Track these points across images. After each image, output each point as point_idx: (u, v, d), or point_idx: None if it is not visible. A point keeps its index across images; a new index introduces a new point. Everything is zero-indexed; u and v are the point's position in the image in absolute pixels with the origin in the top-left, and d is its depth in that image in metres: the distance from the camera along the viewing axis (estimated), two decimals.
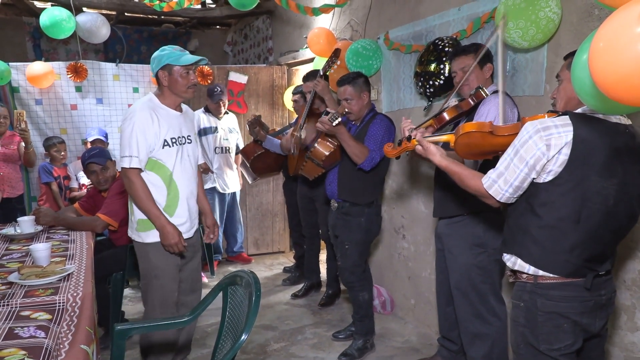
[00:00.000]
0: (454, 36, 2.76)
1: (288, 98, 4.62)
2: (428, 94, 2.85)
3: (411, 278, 3.35)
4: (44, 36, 5.98)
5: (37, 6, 5.74)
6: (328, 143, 2.83)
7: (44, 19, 3.93)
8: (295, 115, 4.16)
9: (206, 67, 4.75)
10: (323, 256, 4.00)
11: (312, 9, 3.65)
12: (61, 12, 3.97)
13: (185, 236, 2.32)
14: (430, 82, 2.79)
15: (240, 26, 6.38)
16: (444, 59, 2.69)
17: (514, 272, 1.61)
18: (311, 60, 4.34)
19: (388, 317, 3.43)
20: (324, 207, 3.54)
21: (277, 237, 5.05)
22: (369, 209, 2.88)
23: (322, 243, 3.97)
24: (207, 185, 4.30)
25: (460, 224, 2.32)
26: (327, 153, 2.82)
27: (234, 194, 4.52)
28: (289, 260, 4.81)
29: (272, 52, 5.44)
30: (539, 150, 1.42)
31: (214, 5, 5.94)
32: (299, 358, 2.90)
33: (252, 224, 4.87)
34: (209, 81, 4.74)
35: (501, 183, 1.51)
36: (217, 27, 7.08)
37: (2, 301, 1.64)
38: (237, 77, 4.77)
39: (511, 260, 1.59)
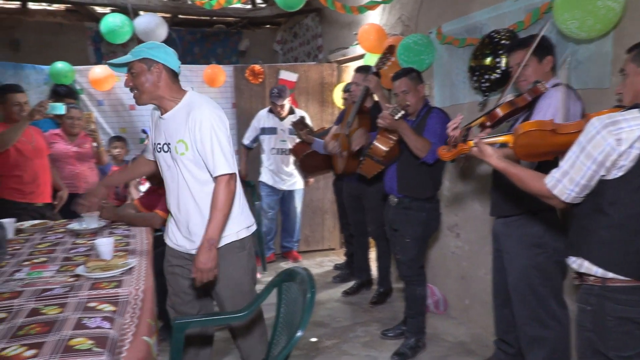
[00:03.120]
0: (511, 28, 2.67)
1: (338, 95, 4.61)
2: (483, 88, 2.77)
3: (465, 278, 3.28)
4: (103, 40, 6.27)
5: (98, 11, 6.01)
6: (387, 139, 2.81)
7: (103, 27, 4.11)
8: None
9: (257, 66, 4.83)
10: (373, 254, 3.98)
11: (358, 8, 3.63)
12: (116, 19, 4.13)
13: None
14: (486, 77, 2.72)
15: (290, 25, 6.43)
16: (500, 52, 2.61)
17: (580, 275, 1.53)
18: (361, 56, 4.32)
19: (441, 317, 3.37)
20: (373, 205, 3.52)
21: (328, 235, 5.06)
22: (429, 204, 2.87)
23: (372, 241, 3.94)
24: (262, 179, 4.47)
25: (518, 224, 2.24)
26: (386, 149, 2.80)
27: (291, 192, 4.56)
28: (339, 257, 4.81)
29: (322, 49, 5.45)
30: (609, 145, 1.35)
31: (264, 5, 6.02)
32: (351, 356, 2.89)
33: (302, 221, 4.91)
34: (260, 80, 4.81)
35: (566, 182, 1.44)
36: (267, 26, 7.16)
37: (71, 292, 1.72)
38: (288, 76, 4.81)
39: (577, 263, 1.52)
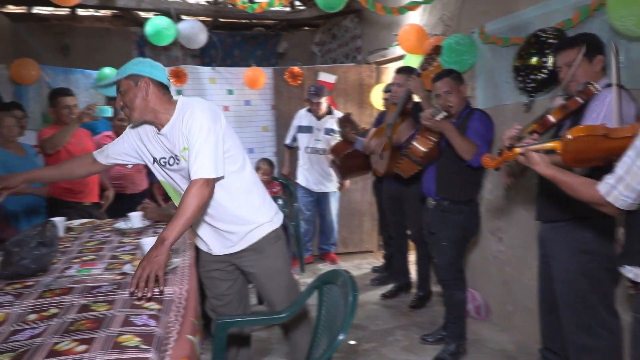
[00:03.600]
0: (558, 27, 2.59)
1: (376, 96, 4.59)
2: (529, 89, 2.70)
3: (508, 283, 3.19)
4: (147, 44, 6.45)
5: (142, 16, 6.19)
6: (427, 140, 2.77)
7: (148, 28, 4.22)
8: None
9: (296, 68, 4.86)
10: (412, 257, 3.93)
11: (398, 9, 3.60)
12: (162, 21, 4.24)
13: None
14: (532, 77, 2.64)
15: (329, 26, 6.44)
16: (547, 51, 2.53)
17: (636, 284, 1.46)
18: (401, 57, 4.28)
19: (482, 323, 3.30)
20: (413, 208, 3.48)
21: (366, 237, 5.04)
22: (468, 207, 2.82)
23: (411, 244, 3.89)
24: (298, 180, 4.54)
25: (566, 229, 2.16)
26: (425, 150, 2.77)
27: (325, 194, 4.56)
28: (377, 260, 4.78)
29: (361, 50, 5.44)
30: None
31: (303, 7, 6.05)
32: None
33: (340, 223, 4.90)
34: (299, 82, 4.84)
35: (621, 188, 1.38)
36: (306, 28, 7.20)
37: (119, 290, 1.77)
38: (327, 77, 4.82)
39: (633, 272, 1.45)
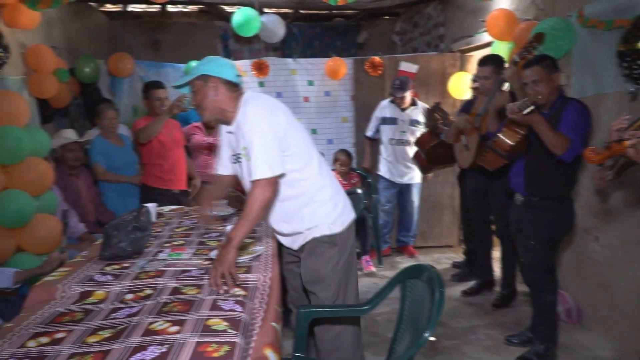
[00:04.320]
0: None
1: (461, 85, 4.42)
2: (635, 75, 2.46)
3: (604, 286, 2.96)
4: (231, 38, 6.65)
5: (227, 11, 6.38)
6: (514, 132, 2.62)
7: (235, 19, 4.33)
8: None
9: (377, 58, 4.79)
10: (495, 253, 3.77)
11: None
12: (249, 12, 4.34)
13: None
14: (639, 63, 2.41)
15: (410, 15, 6.29)
16: None
17: None
18: (488, 44, 4.08)
19: (574, 328, 3.09)
20: (500, 203, 3.32)
21: (445, 231, 4.89)
22: (559, 204, 2.63)
23: (496, 240, 3.73)
24: (380, 172, 4.47)
25: None
26: (512, 143, 2.62)
27: (408, 185, 4.48)
28: (456, 255, 4.63)
29: (444, 39, 5.26)
30: None
31: None
32: (471, 359, 2.77)
33: (419, 216, 4.79)
34: (380, 72, 4.77)
35: None
36: (386, 17, 7.08)
37: (206, 275, 1.84)
38: (408, 67, 4.71)
39: None
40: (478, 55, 4.41)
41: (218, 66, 1.94)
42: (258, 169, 1.81)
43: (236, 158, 2.06)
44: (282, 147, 1.90)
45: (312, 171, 2.02)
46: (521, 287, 3.50)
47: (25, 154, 2.63)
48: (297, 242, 2.11)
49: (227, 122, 2.02)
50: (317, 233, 2.02)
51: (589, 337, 2.97)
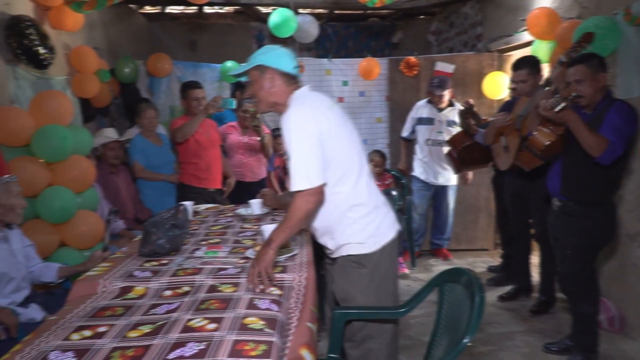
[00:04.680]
0: None
1: (496, 85, 4.32)
2: None
3: None
4: (267, 38, 6.70)
5: (263, 12, 6.43)
6: (548, 131, 2.55)
7: (273, 19, 4.35)
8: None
9: (412, 58, 4.74)
10: (535, 258, 3.67)
11: None
12: (286, 12, 4.35)
13: None
14: None
15: (446, 14, 6.21)
16: None
17: None
18: (528, 44, 3.98)
19: (617, 337, 2.97)
20: (538, 206, 3.23)
21: (481, 234, 4.80)
22: (598, 210, 2.53)
23: (534, 244, 3.63)
24: (415, 173, 4.43)
25: None
26: (546, 142, 2.55)
27: (444, 187, 4.42)
28: (492, 259, 4.54)
29: (481, 38, 5.16)
30: None
31: None
32: None
33: (454, 218, 4.72)
34: (415, 72, 4.72)
35: None
36: (421, 17, 7.01)
37: (243, 274, 1.85)
38: (444, 67, 4.64)
39: None
40: (517, 55, 4.31)
41: (276, 57, 1.85)
42: (296, 180, 1.72)
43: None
44: (324, 155, 1.77)
45: (348, 186, 1.84)
46: (560, 292, 3.41)
47: (69, 152, 2.72)
48: (334, 253, 2.01)
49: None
50: (345, 252, 1.90)
51: (632, 346, 2.86)
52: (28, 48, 3.03)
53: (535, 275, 3.59)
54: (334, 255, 1.99)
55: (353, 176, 1.84)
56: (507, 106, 3.49)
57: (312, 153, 1.72)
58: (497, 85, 4.33)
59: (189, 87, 3.60)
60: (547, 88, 2.92)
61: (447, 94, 4.19)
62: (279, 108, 1.88)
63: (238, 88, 4.49)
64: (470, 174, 4.42)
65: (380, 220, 1.90)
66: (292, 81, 1.88)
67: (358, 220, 1.87)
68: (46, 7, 3.38)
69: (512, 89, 3.62)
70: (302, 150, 1.72)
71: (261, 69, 1.85)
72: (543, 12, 3.47)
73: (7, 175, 2.14)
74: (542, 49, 3.51)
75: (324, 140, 1.75)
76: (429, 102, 4.29)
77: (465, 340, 1.32)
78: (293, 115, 1.76)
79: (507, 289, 3.71)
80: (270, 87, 1.86)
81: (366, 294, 1.88)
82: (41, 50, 3.10)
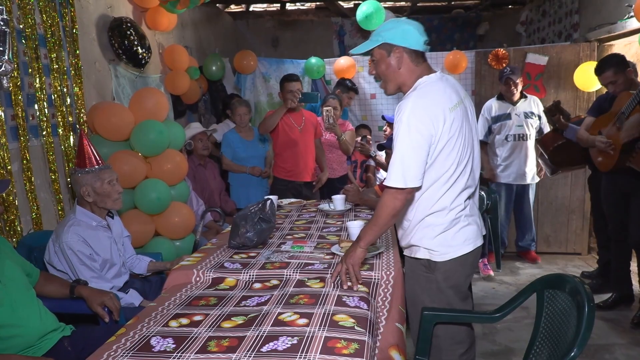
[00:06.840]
0: None
1: (588, 76, 3.99)
2: None
3: None
4: (347, 34, 6.69)
5: (344, 7, 6.43)
6: None
7: (360, 13, 4.31)
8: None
9: (501, 50, 4.51)
10: (634, 266, 3.37)
11: None
12: (373, 6, 4.30)
13: None
14: None
15: (538, 3, 5.85)
16: None
17: None
18: (635, 32, 3.65)
19: None
20: None
21: (573, 237, 4.48)
22: None
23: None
24: (500, 180, 4.16)
25: None
26: None
27: (524, 186, 4.17)
28: (585, 264, 4.23)
29: (578, 27, 4.80)
30: None
31: None
32: None
33: (543, 219, 4.44)
34: (504, 65, 4.49)
35: None
36: (509, 6, 6.67)
37: (330, 270, 1.85)
38: (536, 59, 4.37)
39: None
40: (620, 44, 3.97)
41: (403, 33, 1.68)
42: (392, 176, 1.62)
43: None
44: (432, 156, 1.66)
45: (437, 191, 1.71)
46: None
47: (165, 146, 2.85)
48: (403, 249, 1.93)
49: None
50: (414, 253, 1.80)
51: None
52: (129, 48, 3.23)
53: (636, 283, 3.30)
54: (405, 253, 1.90)
55: (447, 183, 1.70)
56: (602, 101, 3.21)
57: (416, 154, 1.61)
58: (589, 76, 3.99)
59: (285, 80, 3.57)
60: None
61: (520, 83, 3.95)
62: (405, 89, 1.75)
63: (340, 87, 4.45)
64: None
65: (457, 232, 1.74)
66: (421, 59, 1.73)
67: (434, 227, 1.73)
68: (144, 9, 3.58)
69: (608, 85, 3.33)
70: (407, 148, 1.61)
71: (387, 47, 1.70)
72: None
73: (97, 165, 2.20)
74: None
75: (432, 143, 1.64)
76: (499, 98, 4.05)
77: (572, 354, 1.22)
78: (410, 108, 1.62)
79: (604, 297, 3.43)
80: (398, 67, 1.71)
81: (433, 301, 1.77)
82: (140, 49, 3.28)
